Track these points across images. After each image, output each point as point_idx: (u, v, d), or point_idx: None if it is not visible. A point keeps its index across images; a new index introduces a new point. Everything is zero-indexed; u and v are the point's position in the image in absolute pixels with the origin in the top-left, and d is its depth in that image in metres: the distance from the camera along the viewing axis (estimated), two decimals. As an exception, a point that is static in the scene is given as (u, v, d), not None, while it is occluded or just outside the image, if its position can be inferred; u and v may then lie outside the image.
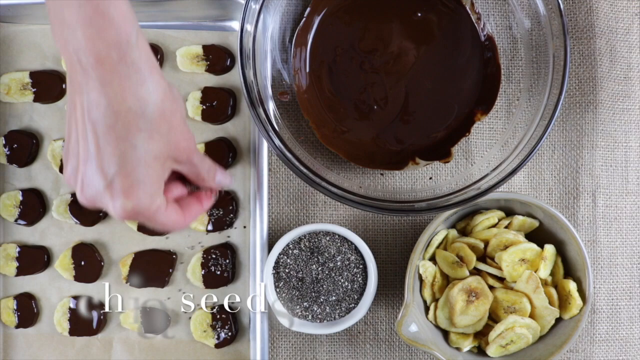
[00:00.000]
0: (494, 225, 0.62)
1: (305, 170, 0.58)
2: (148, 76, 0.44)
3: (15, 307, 0.66)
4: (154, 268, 0.65)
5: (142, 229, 0.66)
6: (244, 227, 0.67)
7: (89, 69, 0.43)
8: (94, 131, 0.44)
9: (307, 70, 0.65)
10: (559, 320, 0.61)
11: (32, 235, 0.67)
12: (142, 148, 0.45)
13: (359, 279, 0.63)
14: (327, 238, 0.63)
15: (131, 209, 0.46)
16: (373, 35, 0.65)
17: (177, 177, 0.54)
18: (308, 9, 0.65)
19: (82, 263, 0.66)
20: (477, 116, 0.65)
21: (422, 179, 0.67)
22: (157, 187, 0.47)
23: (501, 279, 0.61)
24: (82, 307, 0.65)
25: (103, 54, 0.42)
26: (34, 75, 0.66)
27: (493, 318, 0.61)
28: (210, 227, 0.66)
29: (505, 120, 0.67)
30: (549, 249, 0.61)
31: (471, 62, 0.65)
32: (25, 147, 0.66)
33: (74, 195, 0.66)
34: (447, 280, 0.62)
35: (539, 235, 0.62)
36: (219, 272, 0.65)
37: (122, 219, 0.46)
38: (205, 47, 0.66)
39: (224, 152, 0.66)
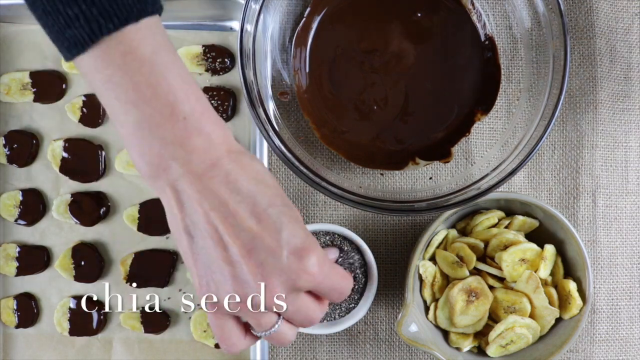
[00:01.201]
0: (494, 225, 0.62)
1: (305, 170, 0.58)
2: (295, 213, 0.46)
3: (15, 307, 0.66)
4: (154, 268, 0.65)
5: (142, 228, 0.66)
6: (244, 227, 0.67)
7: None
8: (273, 205, 0.44)
9: (307, 70, 0.65)
10: (559, 320, 0.61)
11: (32, 235, 0.67)
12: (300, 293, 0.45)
13: (359, 279, 0.63)
14: (327, 238, 0.63)
15: (319, 262, 0.44)
16: (373, 36, 0.65)
17: None
18: (308, 9, 0.65)
19: (82, 263, 0.65)
20: (477, 116, 0.65)
21: (422, 179, 0.67)
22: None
23: (501, 279, 0.61)
24: (83, 306, 0.65)
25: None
26: (34, 75, 0.66)
27: (493, 318, 0.61)
28: (210, 227, 0.66)
29: (505, 120, 0.67)
30: (549, 249, 0.61)
31: (471, 62, 0.65)
32: (25, 147, 0.66)
33: (74, 195, 0.66)
34: (447, 280, 0.62)
35: (539, 235, 0.62)
36: (219, 272, 0.65)
37: (320, 282, 0.45)
38: (205, 47, 0.66)
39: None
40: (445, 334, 0.62)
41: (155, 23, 0.44)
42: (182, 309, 0.66)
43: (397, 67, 0.65)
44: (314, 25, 0.65)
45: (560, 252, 0.62)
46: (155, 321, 0.65)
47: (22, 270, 0.66)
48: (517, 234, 0.61)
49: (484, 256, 0.62)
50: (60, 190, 0.67)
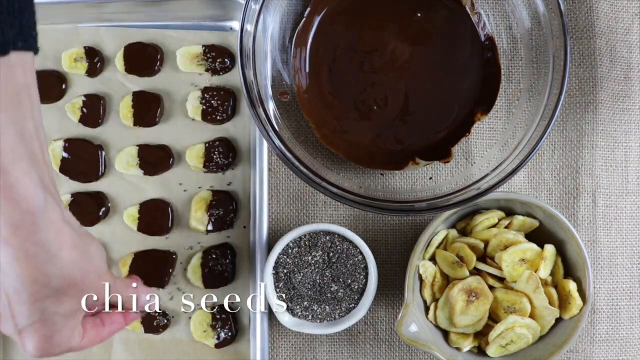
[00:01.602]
0: (494, 225, 0.62)
1: (305, 170, 0.58)
2: (56, 252, 0.44)
3: (15, 307, 0.66)
4: (154, 268, 0.65)
5: (142, 228, 0.66)
6: (244, 227, 0.67)
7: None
8: (5, 289, 0.44)
9: (307, 70, 0.65)
10: (559, 320, 0.61)
11: (32, 235, 0.67)
12: (51, 310, 0.45)
13: (359, 279, 0.63)
14: (327, 238, 0.63)
15: (41, 356, 0.46)
16: (373, 36, 0.65)
17: None
18: (308, 9, 0.65)
19: (82, 263, 0.65)
20: (477, 116, 0.65)
21: (422, 179, 0.67)
22: (69, 336, 0.47)
23: (501, 279, 0.61)
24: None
25: (7, 234, 0.42)
26: (34, 75, 0.66)
27: (493, 318, 0.61)
28: (210, 227, 0.66)
29: (505, 120, 0.67)
30: (549, 249, 0.61)
31: (471, 62, 0.65)
32: (25, 147, 0.66)
33: (74, 195, 0.66)
34: (447, 280, 0.62)
35: (539, 235, 0.62)
36: (219, 272, 0.65)
37: (39, 357, 0.47)
38: (205, 47, 0.66)
39: (223, 152, 0.66)
40: (445, 334, 0.62)
41: (4, 68, 0.41)
42: (182, 309, 0.66)
43: (397, 67, 0.65)
44: (314, 25, 0.65)
45: (560, 252, 0.62)
46: (155, 321, 0.65)
47: (22, 270, 0.66)
48: (517, 234, 0.61)
49: (484, 256, 0.62)
50: (60, 190, 0.67)
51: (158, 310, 0.59)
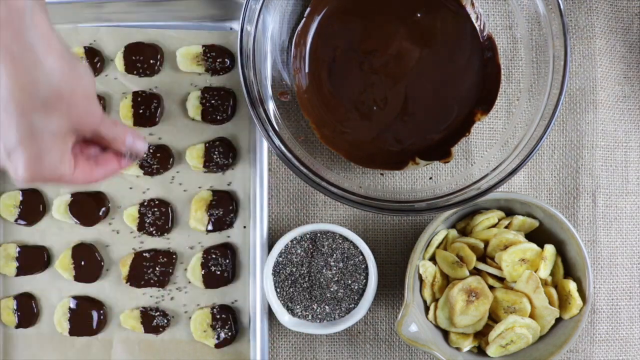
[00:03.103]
0: (494, 225, 0.62)
1: (305, 170, 0.58)
2: (43, 56, 0.43)
3: (15, 307, 0.66)
4: (154, 268, 0.65)
5: (142, 229, 0.66)
6: (244, 227, 0.67)
7: None
8: None
9: (307, 70, 0.65)
10: (559, 320, 0.61)
11: (32, 235, 0.67)
12: (39, 125, 0.45)
13: (359, 279, 0.63)
14: (327, 238, 0.63)
15: (32, 178, 0.46)
16: (373, 36, 0.65)
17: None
18: (308, 9, 0.65)
19: (82, 263, 0.66)
20: (477, 116, 0.65)
21: (422, 179, 0.67)
22: (58, 158, 0.47)
23: (501, 279, 0.61)
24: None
25: None
26: (34, 75, 0.66)
27: (493, 318, 0.62)
28: (210, 227, 0.66)
29: (505, 120, 0.67)
30: (549, 249, 0.61)
31: (471, 62, 0.65)
32: (25, 147, 0.66)
33: (74, 195, 0.66)
34: (447, 280, 0.62)
35: (539, 235, 0.62)
36: (219, 272, 0.65)
37: (26, 184, 0.47)
38: (205, 47, 0.66)
39: (223, 152, 0.66)
40: (445, 334, 0.62)
41: None
42: (182, 309, 0.66)
43: (397, 67, 0.65)
44: (314, 26, 0.65)
45: (560, 252, 0.62)
46: (155, 321, 0.65)
47: (22, 270, 0.66)
48: (517, 234, 0.61)
49: (484, 256, 0.62)
50: (60, 190, 0.67)
51: (146, 152, 0.57)
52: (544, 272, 0.60)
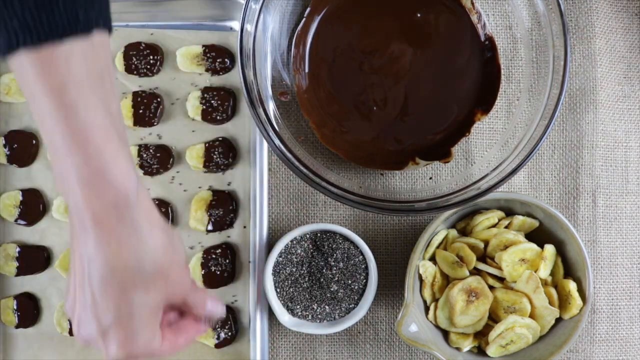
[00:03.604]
0: (494, 225, 0.62)
1: (305, 170, 0.58)
2: (147, 234, 0.43)
3: (15, 307, 0.66)
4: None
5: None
6: (244, 227, 0.67)
7: (87, 225, 0.41)
8: (90, 284, 0.43)
9: (307, 70, 0.65)
10: (559, 320, 0.61)
11: (32, 235, 0.67)
12: (138, 302, 0.44)
13: (359, 279, 0.63)
14: (327, 238, 0.63)
15: (126, 355, 0.45)
16: (373, 36, 0.65)
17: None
18: (308, 9, 0.65)
19: (82, 263, 0.65)
20: (477, 116, 0.65)
21: (422, 179, 0.67)
22: (152, 334, 0.46)
23: (501, 279, 0.61)
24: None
25: (101, 215, 0.41)
26: (34, 75, 0.66)
27: (493, 318, 0.61)
28: (210, 227, 0.66)
29: (505, 120, 0.67)
30: (549, 249, 0.61)
31: (471, 62, 0.65)
32: (25, 147, 0.66)
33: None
34: (447, 280, 0.62)
35: (539, 235, 0.62)
36: (219, 272, 0.65)
37: None
38: (205, 47, 0.66)
39: (223, 152, 0.66)
40: (445, 334, 0.62)
41: (89, 47, 0.39)
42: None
43: (397, 67, 0.65)
44: (314, 25, 0.65)
45: (560, 252, 0.62)
46: (155, 321, 0.65)
47: (22, 270, 0.66)
48: (517, 234, 0.61)
49: (484, 256, 0.62)
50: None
51: (221, 316, 0.55)
52: (544, 272, 0.60)
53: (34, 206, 0.66)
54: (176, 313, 0.51)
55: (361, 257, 0.63)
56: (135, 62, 0.66)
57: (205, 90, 0.66)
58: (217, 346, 0.65)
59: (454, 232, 0.63)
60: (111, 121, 0.41)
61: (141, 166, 0.66)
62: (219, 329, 0.65)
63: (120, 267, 0.42)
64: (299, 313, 0.63)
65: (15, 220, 0.66)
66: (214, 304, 0.53)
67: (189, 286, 0.49)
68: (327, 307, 0.63)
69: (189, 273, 0.49)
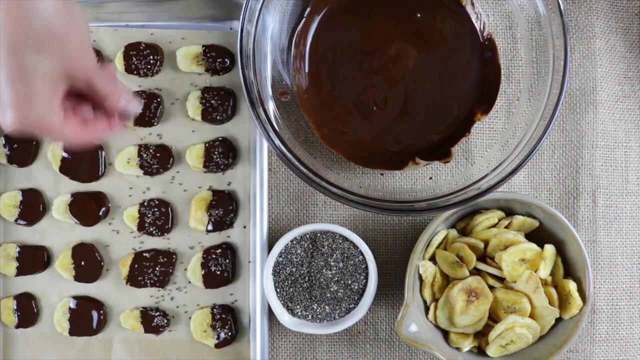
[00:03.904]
0: (494, 225, 0.62)
1: (305, 170, 0.58)
2: None
3: (15, 307, 0.66)
4: (154, 268, 0.65)
5: (142, 229, 0.66)
6: (244, 227, 0.67)
7: None
8: None
9: (307, 70, 0.65)
10: (559, 320, 0.61)
11: (32, 235, 0.67)
12: (30, 64, 0.43)
13: (359, 279, 0.63)
14: (327, 238, 0.63)
15: (20, 121, 0.45)
16: (373, 36, 0.65)
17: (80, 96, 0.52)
18: (308, 9, 0.65)
19: (82, 263, 0.66)
20: (477, 116, 0.65)
21: (422, 179, 0.67)
22: (49, 102, 0.45)
23: (501, 279, 0.61)
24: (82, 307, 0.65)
25: None
26: (34, 75, 0.66)
27: (493, 318, 0.61)
28: (210, 227, 0.66)
29: (505, 120, 0.67)
30: (549, 249, 0.61)
31: (471, 62, 0.65)
32: (25, 147, 0.66)
33: (74, 195, 0.66)
34: (447, 280, 0.62)
35: (539, 235, 0.62)
36: (219, 272, 0.65)
37: (14, 131, 0.45)
38: (205, 47, 0.66)
39: (223, 152, 0.66)
40: (445, 334, 0.62)
41: None
42: (183, 309, 0.66)
43: (397, 67, 0.65)
44: (314, 25, 0.65)
45: (560, 252, 0.62)
46: (155, 321, 0.65)
47: (22, 270, 0.66)
48: (517, 234, 0.61)
49: (484, 256, 0.62)
50: (60, 190, 0.67)
51: (136, 112, 0.55)
52: (544, 272, 0.60)
53: (34, 206, 0.66)
54: (90, 109, 0.51)
55: (361, 257, 0.63)
56: (135, 62, 0.66)
57: (205, 90, 0.66)
58: (217, 346, 0.65)
59: (454, 232, 0.63)
60: None
61: (141, 166, 0.66)
62: (219, 329, 0.65)
63: (10, 26, 0.42)
64: (299, 313, 0.63)
65: (15, 220, 0.66)
66: (128, 98, 0.52)
67: (92, 64, 0.48)
68: (327, 307, 0.63)
69: (91, 49, 0.48)
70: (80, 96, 0.51)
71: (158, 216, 0.66)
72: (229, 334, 0.65)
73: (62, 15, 0.44)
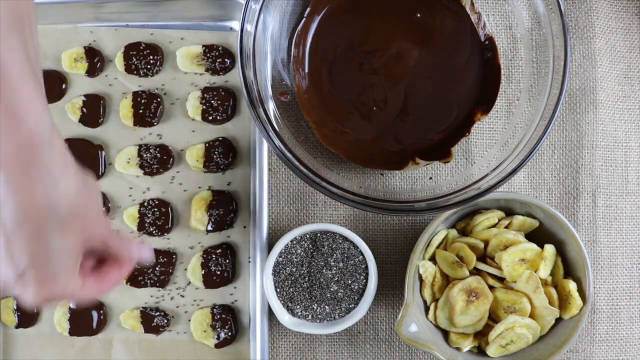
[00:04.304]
0: (494, 225, 0.62)
1: (305, 170, 0.58)
2: (61, 177, 0.42)
3: (15, 307, 0.66)
4: (154, 268, 0.65)
5: (142, 229, 0.66)
6: (244, 227, 0.67)
7: None
8: (3, 227, 0.42)
9: (307, 70, 0.65)
10: (559, 320, 0.61)
11: (32, 235, 0.67)
12: (54, 244, 0.43)
13: (359, 279, 0.63)
14: (327, 238, 0.63)
15: (44, 299, 0.45)
16: (372, 36, 0.65)
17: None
18: (308, 9, 0.65)
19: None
20: (477, 116, 0.65)
21: (422, 179, 0.67)
22: (70, 275, 0.46)
23: (501, 279, 0.61)
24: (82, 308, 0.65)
25: (13, 155, 0.40)
26: (34, 75, 0.66)
27: (493, 318, 0.61)
28: (210, 227, 0.66)
29: (505, 120, 0.67)
30: (549, 249, 0.61)
31: (471, 62, 0.65)
32: (25, 147, 0.66)
33: (74, 195, 0.66)
34: (447, 280, 0.62)
35: (539, 235, 0.62)
36: (219, 272, 0.65)
37: (36, 306, 0.45)
38: (205, 47, 0.66)
39: (223, 152, 0.66)
40: (445, 334, 0.62)
41: None
42: (182, 309, 0.66)
43: (397, 67, 0.65)
44: (314, 26, 0.65)
45: (560, 252, 0.62)
46: (155, 321, 0.65)
47: (22, 270, 0.66)
48: (517, 234, 0.61)
49: (484, 256, 0.62)
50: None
51: (152, 260, 0.56)
52: (544, 272, 0.60)
53: (34, 206, 0.66)
54: (94, 260, 0.51)
55: (361, 257, 0.63)
56: (135, 62, 0.66)
57: (205, 90, 0.66)
58: (217, 346, 0.65)
59: (454, 232, 0.63)
60: (29, 65, 0.40)
61: (141, 166, 0.66)
62: (219, 329, 0.65)
63: (34, 209, 0.41)
64: (299, 313, 0.63)
65: (15, 220, 0.66)
66: (140, 249, 0.53)
67: (108, 231, 0.49)
68: (327, 307, 0.63)
69: (107, 219, 0.49)
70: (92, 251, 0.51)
71: (158, 216, 0.66)
72: (229, 334, 0.65)
73: (83, 194, 0.44)
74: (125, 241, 0.52)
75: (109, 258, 0.51)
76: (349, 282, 0.63)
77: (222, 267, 0.65)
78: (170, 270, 0.66)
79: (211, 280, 0.65)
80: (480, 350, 0.62)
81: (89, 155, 0.66)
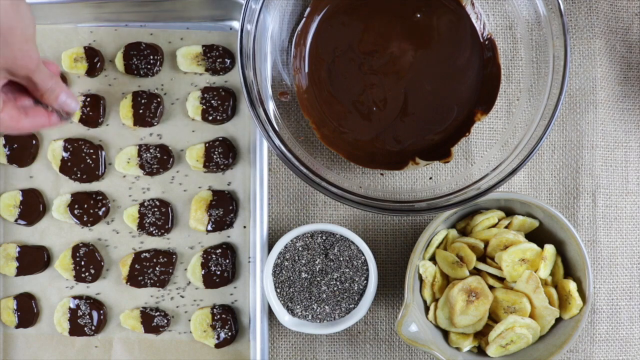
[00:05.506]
0: (494, 225, 0.62)
1: (305, 170, 0.58)
2: None
3: (15, 307, 0.66)
4: (154, 268, 0.65)
5: (142, 229, 0.66)
6: (244, 227, 0.67)
7: None
8: None
9: (307, 70, 0.65)
10: (559, 320, 0.61)
11: (32, 235, 0.67)
12: None
13: (359, 279, 0.63)
14: (327, 238, 0.63)
15: None
16: (372, 37, 0.65)
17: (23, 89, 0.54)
18: (308, 9, 0.65)
19: (82, 263, 0.66)
20: (477, 116, 0.65)
21: (422, 179, 0.67)
22: None
23: (501, 279, 0.61)
24: (82, 307, 0.65)
25: None
26: (34, 75, 0.66)
27: (493, 318, 0.62)
28: (210, 227, 0.66)
29: (505, 120, 0.67)
30: (549, 249, 0.61)
31: (471, 62, 0.65)
32: (26, 147, 0.66)
33: (74, 195, 0.66)
34: (447, 280, 0.62)
35: (539, 235, 0.62)
36: (219, 272, 0.65)
37: None
38: (205, 47, 0.66)
39: (223, 152, 0.66)
40: (445, 334, 0.62)
41: None
42: (182, 309, 0.66)
43: (396, 68, 0.65)
44: (314, 26, 0.65)
45: (560, 252, 0.62)
46: (155, 321, 0.65)
47: (22, 270, 0.66)
48: (517, 234, 0.61)
49: (484, 256, 0.62)
50: (60, 190, 0.67)
51: (73, 111, 0.57)
52: (544, 272, 0.60)
53: (34, 206, 0.66)
54: (32, 101, 0.53)
55: (361, 257, 0.63)
56: (135, 62, 0.66)
57: (205, 90, 0.66)
58: (217, 346, 0.65)
59: (454, 232, 0.63)
60: None
61: (141, 166, 0.66)
62: (219, 329, 0.65)
63: None
64: (299, 313, 0.63)
65: (15, 220, 0.66)
66: (68, 96, 0.54)
67: (34, 62, 0.50)
68: (327, 307, 0.63)
69: (34, 48, 0.50)
70: (22, 88, 0.53)
71: (158, 216, 0.66)
72: (229, 334, 0.65)
73: (8, 14, 0.45)
74: (55, 83, 0.53)
75: (41, 101, 0.53)
76: (349, 282, 0.63)
77: (222, 267, 0.65)
78: (170, 270, 0.66)
79: (211, 280, 0.65)
80: (480, 350, 0.62)
81: (89, 155, 0.66)
